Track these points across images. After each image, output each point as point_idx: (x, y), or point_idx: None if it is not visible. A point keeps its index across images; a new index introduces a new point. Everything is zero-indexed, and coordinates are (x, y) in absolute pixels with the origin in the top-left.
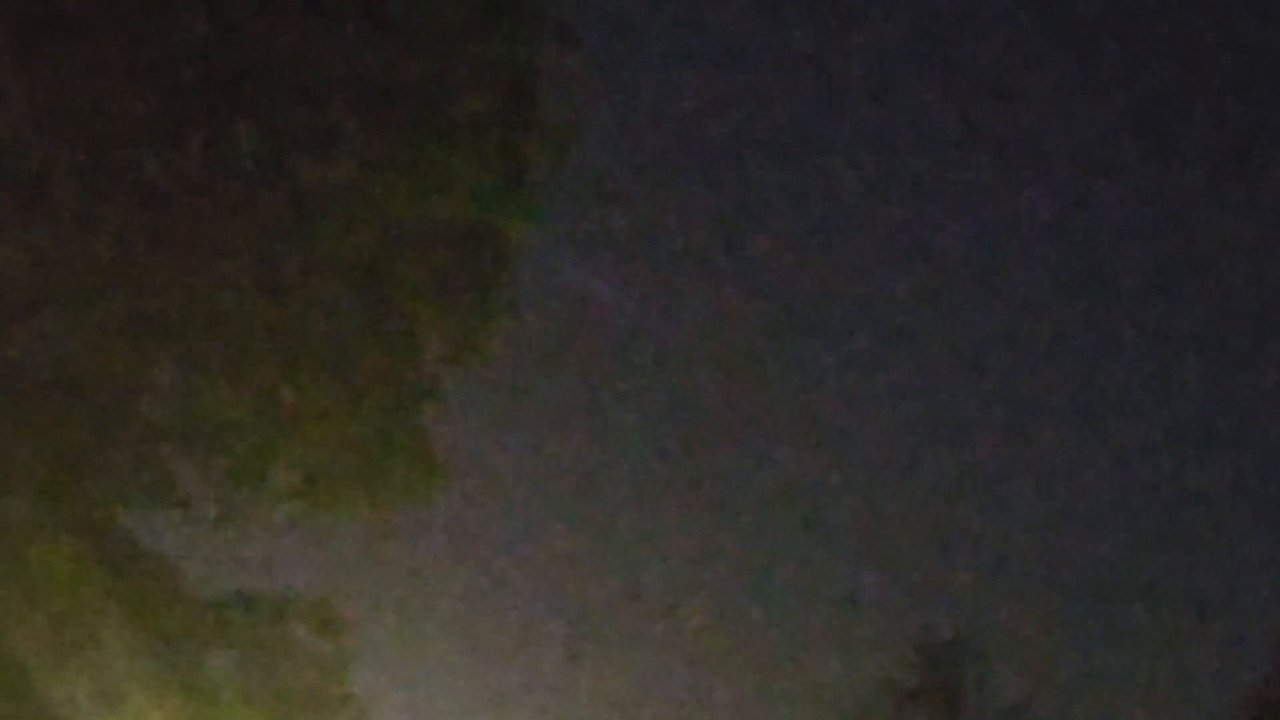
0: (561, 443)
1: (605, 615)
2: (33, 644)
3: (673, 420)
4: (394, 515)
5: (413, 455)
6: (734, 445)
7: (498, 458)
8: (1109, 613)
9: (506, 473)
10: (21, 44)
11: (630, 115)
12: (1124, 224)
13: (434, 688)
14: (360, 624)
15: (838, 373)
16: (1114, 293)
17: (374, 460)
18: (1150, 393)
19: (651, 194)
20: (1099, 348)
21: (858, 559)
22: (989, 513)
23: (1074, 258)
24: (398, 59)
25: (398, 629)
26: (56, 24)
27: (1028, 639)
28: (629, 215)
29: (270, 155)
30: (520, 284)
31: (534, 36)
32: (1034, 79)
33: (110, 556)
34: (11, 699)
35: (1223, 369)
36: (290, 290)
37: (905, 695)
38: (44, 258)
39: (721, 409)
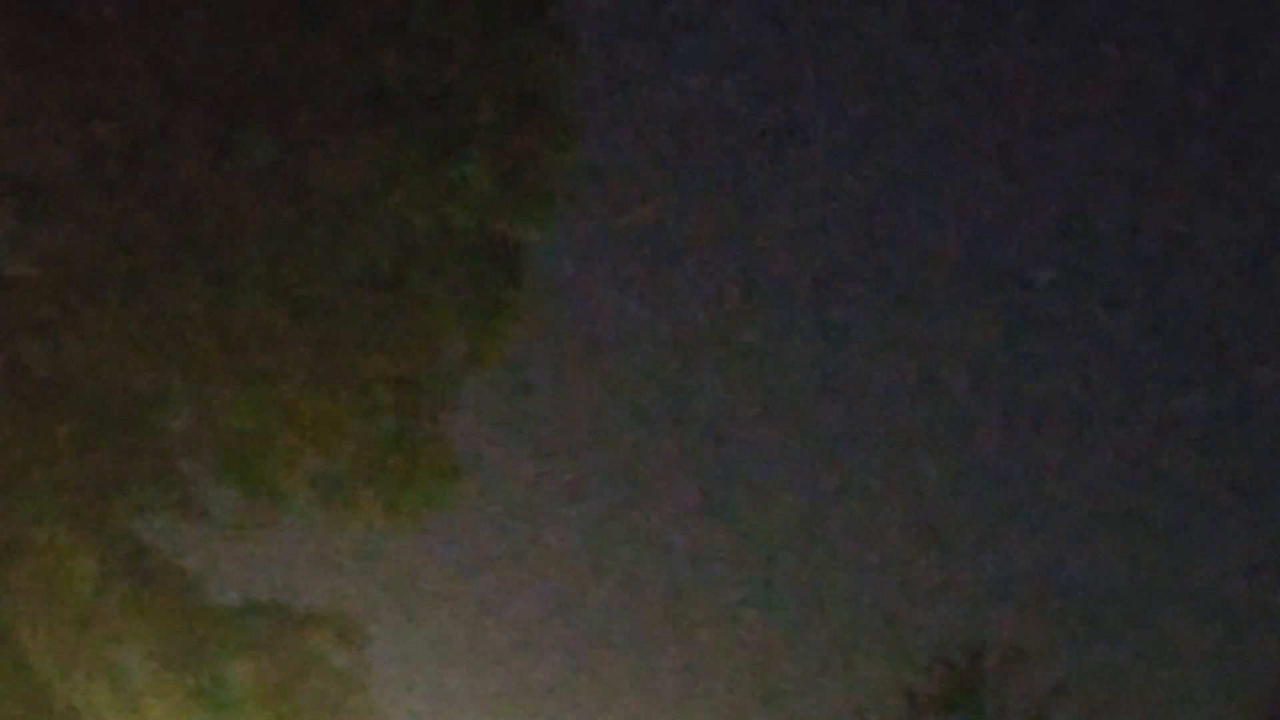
0: (562, 444)
1: (615, 620)
2: (52, 654)
3: (673, 420)
4: (413, 524)
5: (431, 463)
6: (734, 445)
7: (508, 463)
8: (1129, 617)
9: (517, 478)
10: (34, 50)
11: (630, 115)
12: (1124, 224)
13: (452, 697)
14: (378, 634)
15: (838, 373)
16: (1113, 292)
17: (392, 469)
18: (1150, 392)
19: (652, 194)
20: (1099, 348)
21: (861, 560)
22: (989, 513)
23: (1074, 258)
24: (413, 68)
25: (416, 639)
26: (72, 29)
27: (1047, 645)
28: (629, 215)
29: (287, 165)
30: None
31: (546, 43)
32: (1034, 79)
33: (128, 566)
34: (31, 709)
35: (1222, 369)
36: (307, 299)
37: (922, 703)
38: (60, 269)
39: (721, 409)
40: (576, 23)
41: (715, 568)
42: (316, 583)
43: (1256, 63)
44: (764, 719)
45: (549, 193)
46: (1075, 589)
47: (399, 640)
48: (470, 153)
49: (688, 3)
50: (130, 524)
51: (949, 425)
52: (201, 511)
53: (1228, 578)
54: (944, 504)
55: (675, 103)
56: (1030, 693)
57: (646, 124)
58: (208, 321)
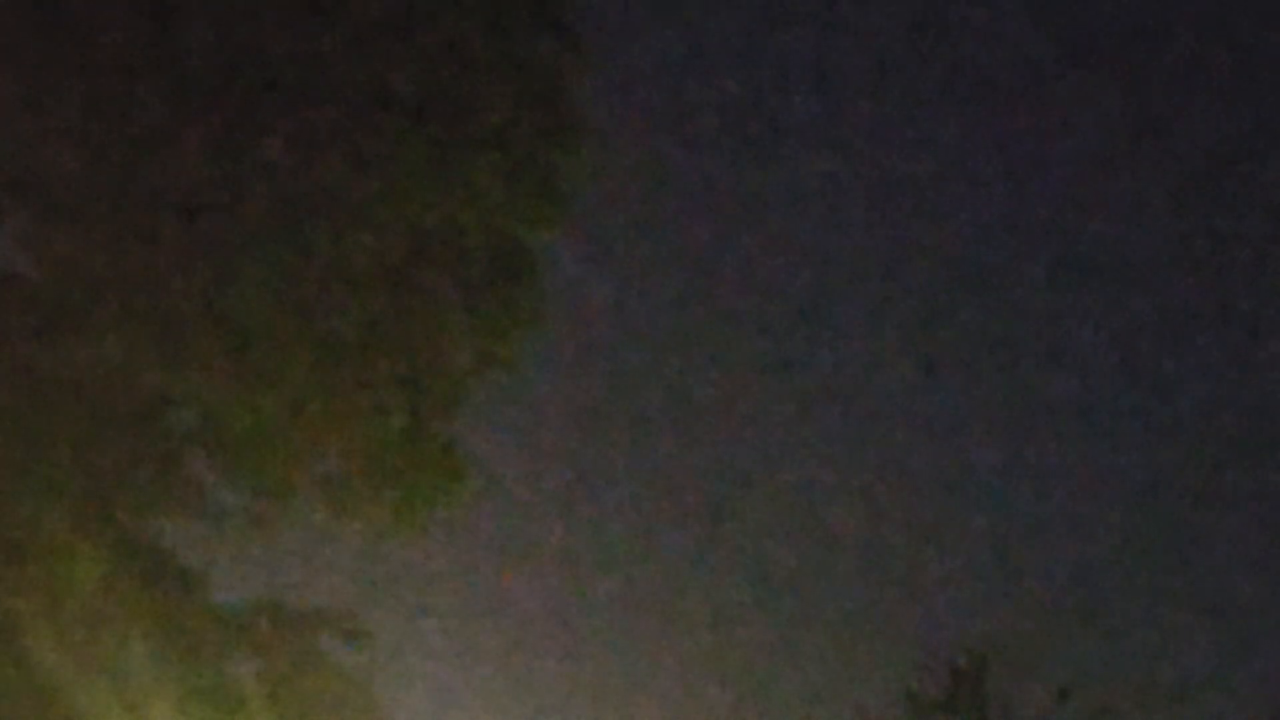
0: (564, 444)
1: (615, 620)
2: (60, 653)
3: (673, 420)
4: (417, 524)
5: (436, 464)
6: (734, 445)
7: (510, 463)
8: (1130, 617)
9: (519, 478)
10: (40, 50)
11: (630, 115)
12: (1124, 224)
13: (453, 696)
14: (381, 633)
15: (838, 372)
16: (1114, 291)
17: (398, 469)
18: (1150, 392)
19: (652, 193)
20: (1099, 347)
21: (861, 561)
22: (990, 514)
23: (1074, 258)
24: (422, 69)
25: (418, 638)
26: (78, 29)
27: (1049, 645)
28: (630, 215)
29: (298, 166)
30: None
31: (557, 47)
32: (1034, 79)
33: (136, 566)
34: (39, 707)
35: (1223, 368)
36: (314, 300)
37: (924, 704)
38: (70, 269)
39: (721, 409)
40: (586, 26)
41: (715, 568)
42: (320, 582)
43: (1257, 63)
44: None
45: (557, 194)
46: (1076, 589)
47: (402, 639)
48: (479, 154)
49: (688, 3)
50: (135, 523)
51: (949, 425)
52: (206, 511)
53: (1230, 577)
54: (944, 504)
55: (676, 103)
56: (1033, 694)
57: (648, 124)
58: (214, 321)
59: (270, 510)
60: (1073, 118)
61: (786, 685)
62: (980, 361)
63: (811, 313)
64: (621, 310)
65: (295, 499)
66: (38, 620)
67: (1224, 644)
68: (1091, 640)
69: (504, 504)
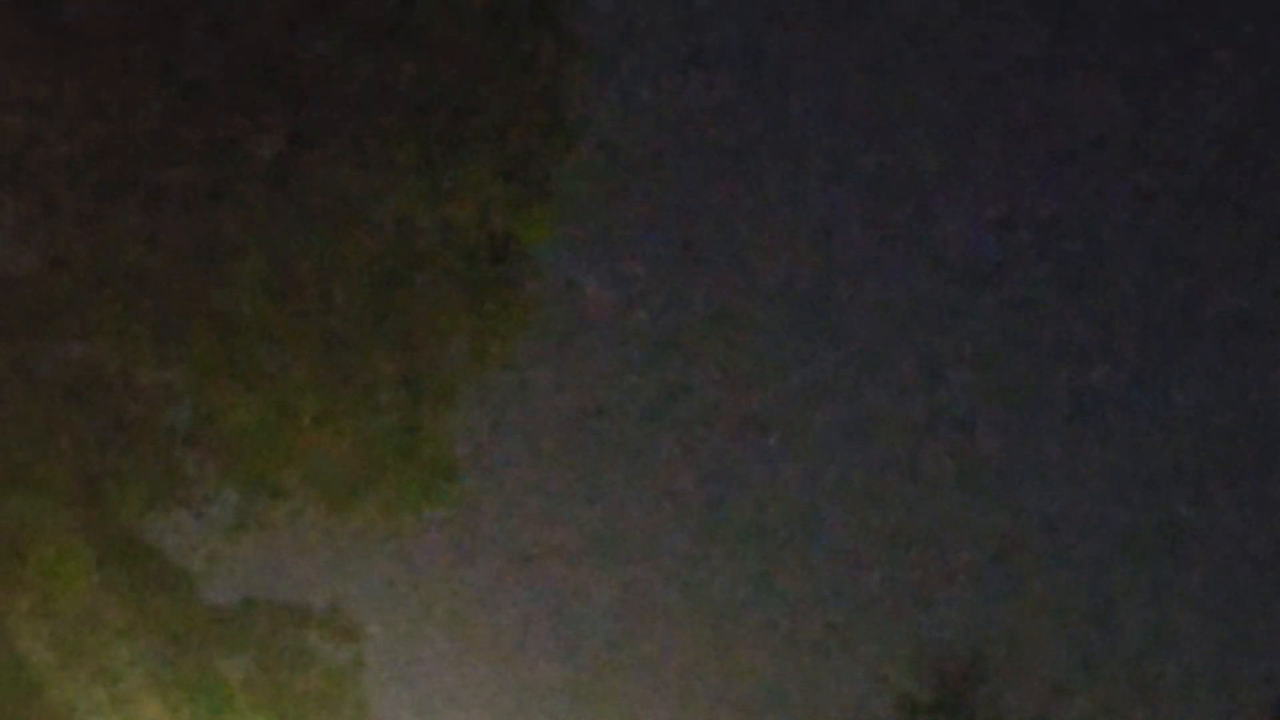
0: (562, 444)
1: (614, 620)
2: (47, 648)
3: (673, 420)
4: (412, 523)
5: (431, 462)
6: (734, 445)
7: (507, 462)
8: (1130, 617)
9: (517, 478)
10: (39, 47)
11: (630, 115)
12: (1124, 224)
13: (449, 696)
14: (376, 632)
15: (838, 372)
16: (1114, 292)
17: (392, 468)
18: (1151, 391)
19: (652, 194)
20: (1099, 347)
21: (861, 561)
22: (989, 515)
23: (1074, 258)
24: (418, 67)
25: (413, 637)
26: (76, 27)
27: (1040, 651)
28: (629, 215)
29: (291, 163)
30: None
31: (555, 46)
32: (1034, 78)
33: (125, 561)
34: (24, 703)
35: (1224, 367)
36: (310, 296)
37: (917, 710)
38: (63, 263)
39: (721, 409)
40: (586, 26)
41: (715, 568)
42: (315, 581)
43: (1257, 63)
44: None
45: (552, 193)
46: (1076, 589)
47: (396, 639)
48: (478, 153)
49: (689, 3)
50: (128, 520)
51: (949, 425)
52: (201, 509)
53: (1230, 577)
54: (943, 504)
55: (675, 103)
56: (1027, 698)
57: (647, 124)
58: (210, 319)
59: (264, 508)
60: (1073, 117)
61: (785, 685)
62: (980, 361)
63: (811, 313)
64: (621, 310)
65: (289, 497)
66: (29, 617)
67: (1223, 643)
68: (1091, 640)
69: (499, 503)
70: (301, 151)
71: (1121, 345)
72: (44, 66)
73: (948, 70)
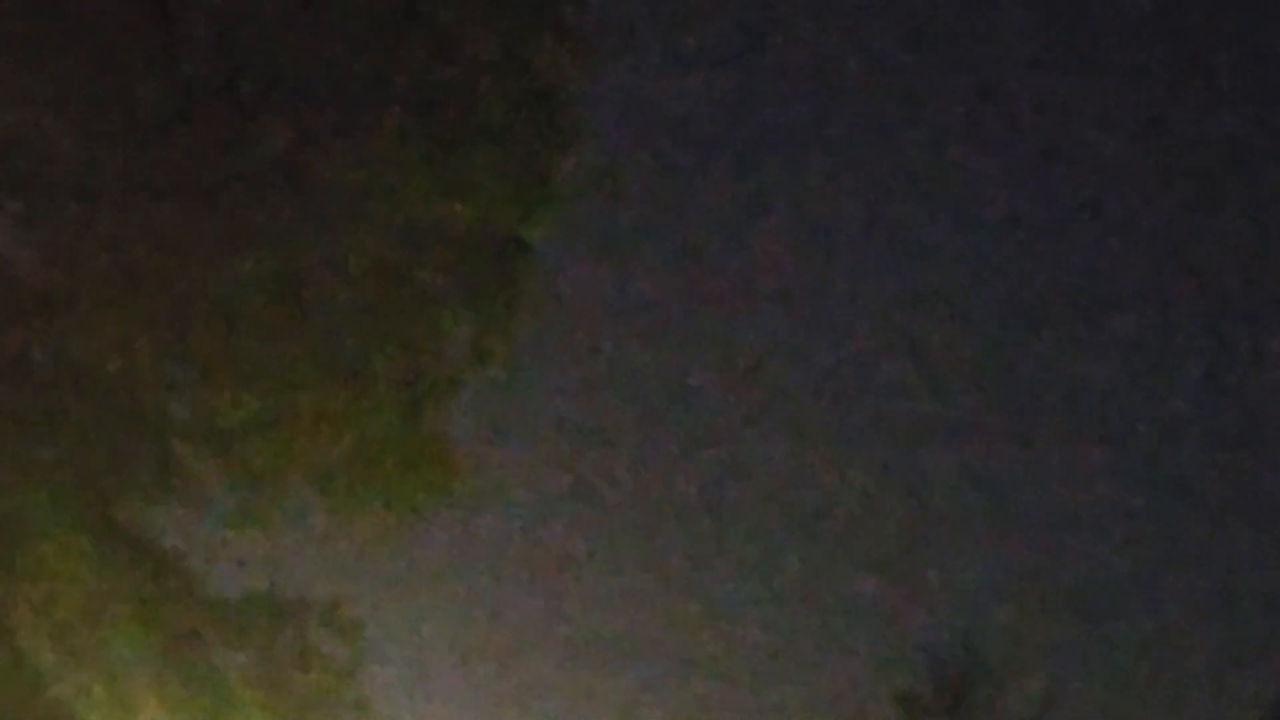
0: (562, 442)
1: (613, 620)
2: (47, 644)
3: (673, 420)
4: (411, 520)
5: (431, 460)
6: (734, 445)
7: (507, 460)
8: (1130, 618)
9: (517, 476)
10: (40, 43)
11: (630, 115)
12: (1124, 224)
13: (448, 694)
14: (375, 629)
15: (838, 372)
16: (1114, 292)
17: (392, 465)
18: (1151, 391)
19: (652, 194)
20: (1099, 347)
21: (861, 561)
22: (989, 515)
23: (1074, 258)
24: (421, 65)
25: (413, 634)
26: (78, 22)
27: (1040, 652)
28: (629, 215)
29: (292, 159)
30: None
31: (559, 46)
32: (1034, 79)
33: (126, 557)
34: (25, 699)
35: (1224, 367)
36: (310, 292)
37: (917, 707)
38: (63, 257)
39: (721, 409)
40: (586, 26)
41: (715, 568)
42: (315, 577)
43: (1257, 63)
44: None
45: (554, 191)
46: (1076, 589)
47: (396, 635)
48: (478, 152)
49: (689, 3)
50: (128, 515)
51: (949, 425)
52: (201, 504)
53: (1230, 577)
54: (944, 504)
55: (676, 102)
56: (1027, 699)
57: (648, 123)
58: (211, 315)
59: (264, 506)
60: (1074, 117)
61: (785, 685)
62: (980, 361)
63: (811, 312)
64: (621, 309)
65: (289, 495)
66: (29, 611)
67: (1223, 644)
68: (1090, 641)
69: (499, 502)
70: (302, 150)
71: (1121, 345)
72: (44, 64)
73: (948, 70)
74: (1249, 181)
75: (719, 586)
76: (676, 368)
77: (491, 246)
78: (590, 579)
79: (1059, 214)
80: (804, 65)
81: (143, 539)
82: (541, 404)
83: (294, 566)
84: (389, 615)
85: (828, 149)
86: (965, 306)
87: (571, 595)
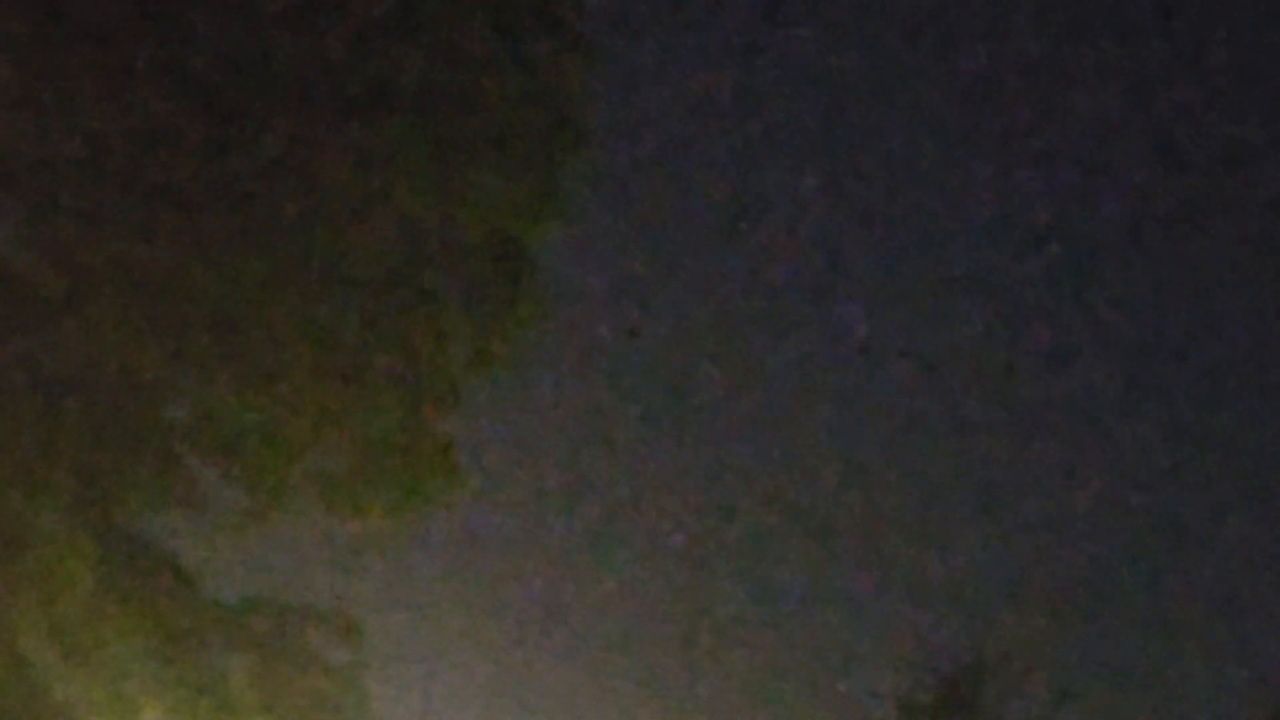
0: (563, 444)
1: (614, 621)
2: (48, 647)
3: (673, 420)
4: (413, 523)
5: (433, 463)
6: (734, 445)
7: (508, 463)
8: (1131, 618)
9: (518, 478)
10: (39, 44)
11: (631, 115)
12: (1124, 224)
13: (450, 697)
14: (377, 632)
15: (838, 372)
16: (1114, 292)
17: (394, 468)
18: (1152, 391)
19: (652, 194)
20: (1099, 347)
21: (861, 562)
22: (989, 515)
23: (1074, 258)
24: (423, 66)
25: (415, 638)
26: (77, 23)
27: (1041, 653)
28: (630, 215)
29: (294, 161)
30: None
31: (562, 50)
32: (1034, 79)
33: (128, 559)
34: (25, 703)
35: (1224, 366)
36: (314, 296)
37: (918, 712)
38: (66, 261)
39: (721, 409)
40: (586, 26)
41: (715, 568)
42: (316, 580)
43: (1257, 63)
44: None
45: (557, 194)
46: (1077, 589)
47: (398, 639)
48: (479, 154)
49: (689, 3)
50: (131, 519)
51: (949, 425)
52: (203, 507)
53: (1230, 576)
54: (944, 504)
55: (676, 102)
56: (1028, 700)
57: (648, 123)
58: (212, 317)
59: (265, 508)
60: (1075, 116)
61: (785, 687)
62: (980, 361)
63: (811, 312)
64: (623, 310)
65: (290, 497)
66: (30, 615)
67: (1224, 645)
68: (1091, 641)
69: (502, 503)
70: (302, 152)
71: (1121, 346)
72: (44, 65)
73: (948, 70)
74: (1249, 181)
75: (719, 586)
76: (677, 367)
77: (492, 247)
78: (590, 579)
79: (1059, 214)
80: (804, 65)
81: (143, 540)
82: (541, 404)
83: (294, 568)
84: (389, 617)
85: (828, 149)
86: (965, 306)
87: (571, 595)
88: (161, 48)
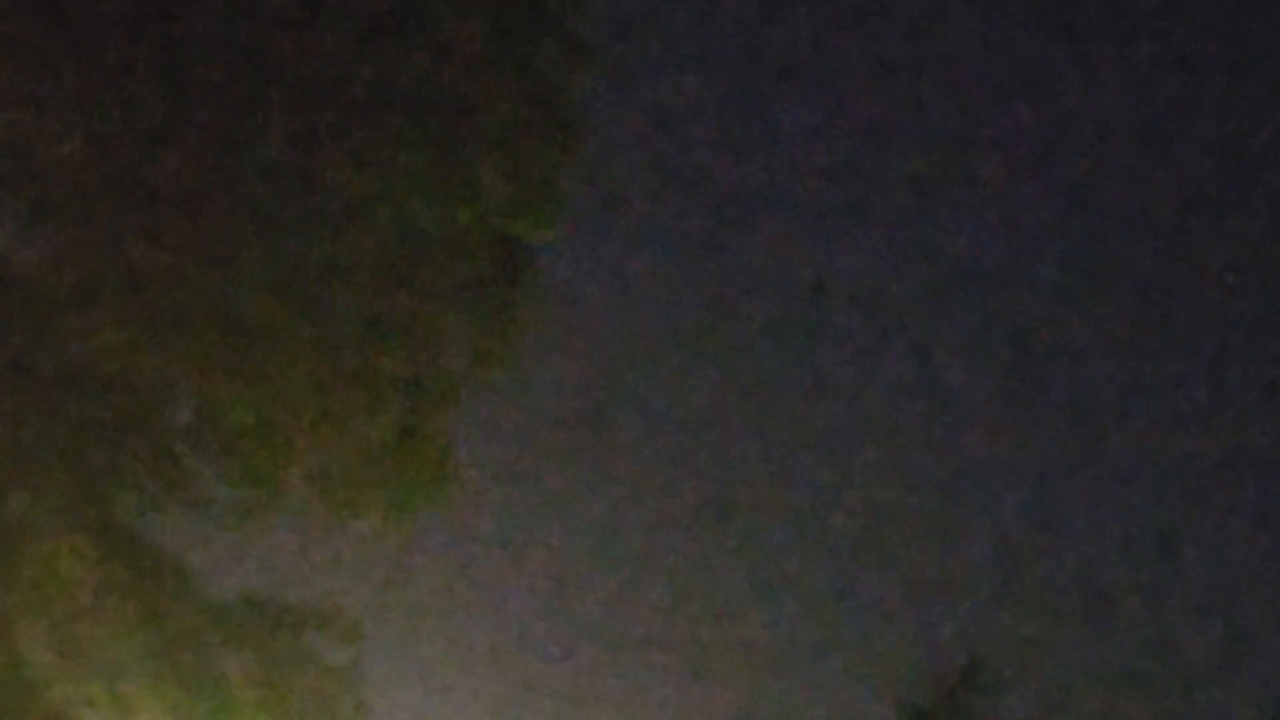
0: (562, 444)
1: (613, 621)
2: (46, 645)
3: (673, 421)
4: (411, 523)
5: (431, 463)
6: (734, 445)
7: (507, 463)
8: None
9: (516, 478)
10: (42, 45)
11: (630, 115)
12: (1124, 224)
13: (447, 697)
14: (374, 632)
15: (838, 373)
16: (1114, 293)
17: (392, 468)
18: (1152, 391)
19: (652, 194)
20: (1099, 347)
21: (861, 562)
22: (990, 515)
23: (1074, 258)
24: (423, 67)
25: (412, 637)
26: (79, 24)
27: (1041, 654)
28: (630, 215)
29: (294, 162)
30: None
31: (563, 52)
32: (1034, 80)
33: (126, 558)
34: (24, 702)
35: (1225, 366)
36: (312, 297)
37: (917, 715)
38: (65, 260)
39: (721, 409)
40: (586, 26)
41: (715, 568)
42: (314, 580)
43: (1257, 62)
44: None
45: (556, 194)
46: (1076, 590)
47: (395, 639)
48: (479, 154)
49: (689, 3)
50: (129, 519)
51: (948, 425)
52: (201, 506)
53: (1230, 577)
54: (943, 504)
55: (676, 103)
56: (1027, 702)
57: (648, 123)
58: (211, 317)
59: (264, 507)
60: (1076, 116)
61: (784, 689)
62: (980, 362)
63: (811, 312)
64: (622, 310)
65: (289, 497)
66: (29, 613)
67: (1224, 645)
68: (1091, 643)
69: (499, 503)
70: (302, 152)
71: (1121, 345)
72: (45, 65)
73: (948, 70)
74: (1249, 181)
75: (719, 586)
76: (677, 367)
77: (492, 248)
78: (590, 579)
79: (1059, 214)
80: (804, 65)
81: (143, 540)
82: (541, 404)
83: (293, 568)
84: (388, 616)
85: (828, 149)
86: (965, 306)
87: (571, 595)
88: (162, 48)
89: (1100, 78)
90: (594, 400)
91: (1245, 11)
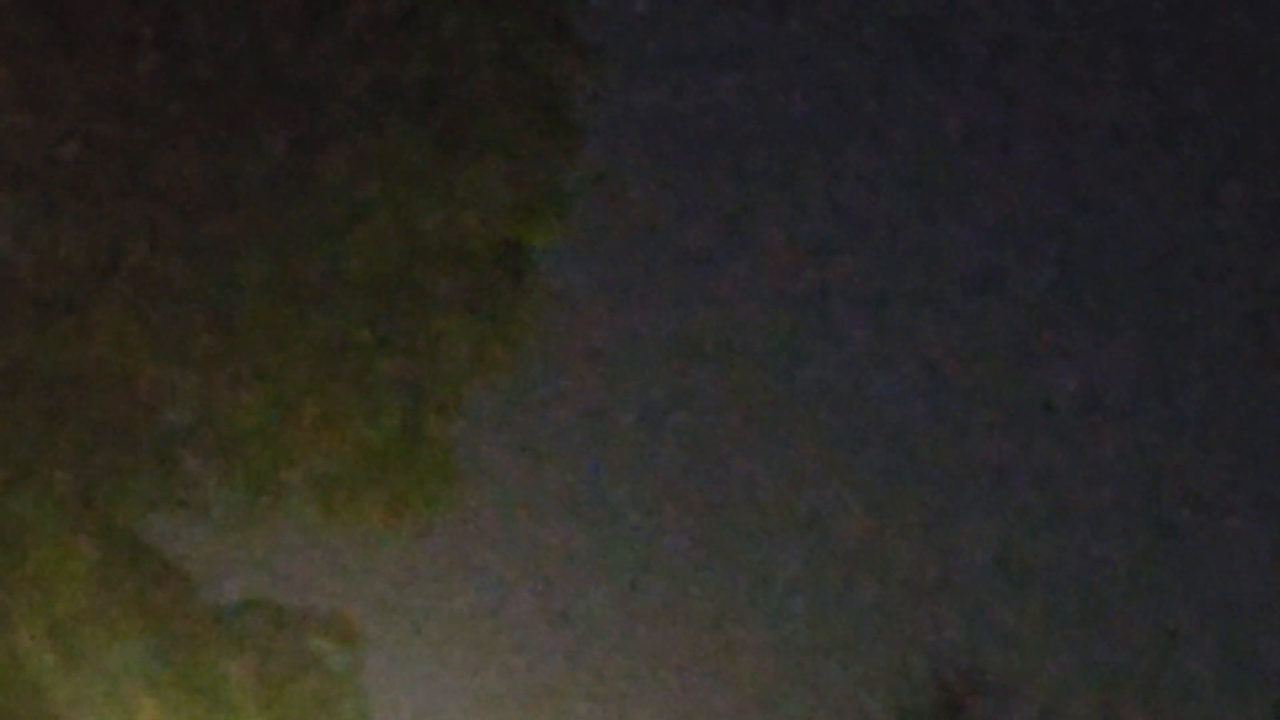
0: (563, 447)
1: (614, 623)
2: (46, 648)
3: (674, 423)
4: (413, 526)
5: (432, 466)
6: (735, 448)
7: (508, 465)
8: (1123, 624)
9: (518, 481)
10: (41, 45)
11: (630, 115)
12: (1124, 224)
13: (449, 700)
14: (376, 635)
15: (839, 375)
16: (1114, 293)
17: (394, 471)
18: (1153, 390)
19: (653, 194)
20: (1099, 347)
21: (861, 563)
22: (990, 516)
23: (1074, 258)
24: (424, 69)
25: (414, 641)
26: (78, 24)
27: (1041, 656)
28: (629, 216)
29: (294, 164)
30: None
31: (567, 57)
32: (1035, 79)
33: (126, 561)
34: (24, 703)
35: (1226, 366)
36: (313, 298)
37: (916, 716)
38: (64, 262)
39: (722, 411)
40: (586, 26)
41: (715, 569)
42: (315, 583)
43: (1257, 62)
44: None
45: (558, 197)
46: (1077, 591)
47: (397, 642)
48: (480, 155)
49: (689, 3)
50: (130, 520)
51: (949, 426)
52: (202, 509)
53: (1230, 578)
54: (943, 505)
55: (676, 102)
56: (1027, 703)
57: (648, 123)
58: (212, 319)
59: (264, 509)
60: (1076, 116)
61: (783, 691)
62: (981, 362)
63: (812, 313)
64: (623, 313)
65: (290, 499)
66: (29, 615)
67: (1225, 646)
68: (1091, 644)
69: (500, 506)
70: (302, 154)
71: (1121, 346)
72: (45, 66)
73: (948, 70)
74: (1250, 181)
75: (719, 588)
76: (677, 368)
77: (493, 249)
78: (590, 579)
79: (1059, 214)
80: (804, 65)
81: (143, 543)
82: (542, 407)
83: (294, 571)
84: (389, 620)
85: (828, 149)
86: (968, 308)
87: (571, 596)
88: (162, 48)
89: (1102, 78)
90: (596, 403)
91: (1246, 12)
